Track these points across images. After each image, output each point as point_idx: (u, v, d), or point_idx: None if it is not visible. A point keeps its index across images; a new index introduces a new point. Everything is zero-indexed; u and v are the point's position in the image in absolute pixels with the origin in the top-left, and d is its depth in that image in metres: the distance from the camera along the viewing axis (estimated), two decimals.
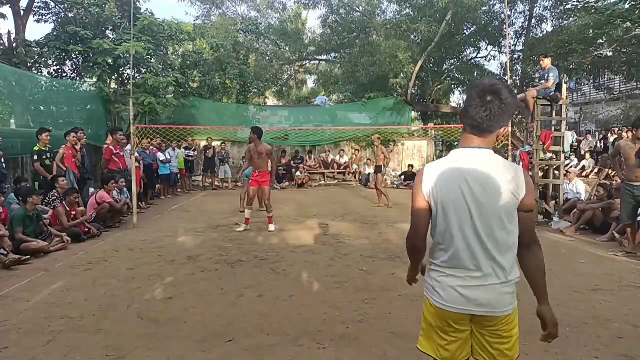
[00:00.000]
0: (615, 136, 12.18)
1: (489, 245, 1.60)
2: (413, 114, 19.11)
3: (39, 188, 7.27)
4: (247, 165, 7.76)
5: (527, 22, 17.62)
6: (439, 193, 1.65)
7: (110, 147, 8.81)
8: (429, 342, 1.74)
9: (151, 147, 11.31)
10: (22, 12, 12.41)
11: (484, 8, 16.69)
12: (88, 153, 9.18)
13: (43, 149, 7.52)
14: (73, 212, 6.78)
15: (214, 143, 14.29)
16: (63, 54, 12.70)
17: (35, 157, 7.45)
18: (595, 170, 11.69)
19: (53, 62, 12.84)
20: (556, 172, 8.22)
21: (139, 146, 10.17)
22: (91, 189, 9.13)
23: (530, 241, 1.68)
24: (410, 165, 15.43)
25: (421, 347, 1.77)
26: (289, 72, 24.43)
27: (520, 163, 8.46)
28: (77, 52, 12.33)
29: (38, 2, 13.03)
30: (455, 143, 20.60)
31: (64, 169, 7.60)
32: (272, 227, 7.29)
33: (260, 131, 7.24)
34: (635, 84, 17.61)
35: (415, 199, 1.72)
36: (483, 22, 17.07)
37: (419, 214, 1.71)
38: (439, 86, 18.86)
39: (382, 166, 10.19)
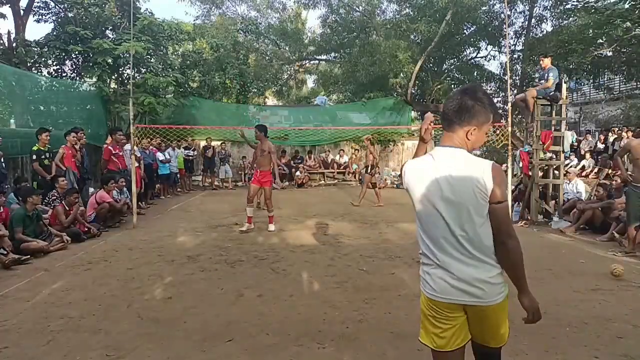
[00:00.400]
0: (615, 136, 12.16)
1: (463, 240, 1.68)
2: (413, 114, 19.11)
3: (38, 188, 7.26)
4: (253, 162, 7.82)
5: (527, 22, 17.61)
6: (415, 189, 1.79)
7: (110, 147, 8.81)
8: (426, 333, 1.81)
9: (151, 147, 11.31)
10: (22, 12, 12.41)
11: (484, 8, 16.68)
12: (88, 153, 9.17)
13: (42, 149, 7.49)
14: (72, 212, 6.77)
15: (214, 143, 14.29)
16: (63, 54, 12.70)
17: (35, 157, 7.42)
18: (595, 170, 11.69)
19: (53, 62, 12.84)
20: (556, 172, 8.22)
21: (140, 146, 10.17)
22: (91, 189, 9.13)
23: (503, 238, 1.71)
24: None
25: (421, 338, 1.84)
26: (289, 72, 24.43)
27: (521, 163, 8.47)
28: (77, 52, 12.33)
29: (38, 2, 13.03)
30: None
31: (64, 169, 7.60)
32: (272, 227, 7.26)
33: (265, 128, 7.32)
34: (635, 84, 17.60)
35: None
36: (483, 22, 17.06)
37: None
38: (439, 86, 18.84)
39: (371, 166, 10.29)
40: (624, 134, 11.73)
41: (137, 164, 8.55)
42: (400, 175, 12.83)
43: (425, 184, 1.75)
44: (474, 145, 1.79)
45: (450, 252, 1.70)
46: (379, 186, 11.11)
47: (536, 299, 1.76)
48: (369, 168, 10.33)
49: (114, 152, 8.76)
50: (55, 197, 6.96)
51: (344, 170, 16.07)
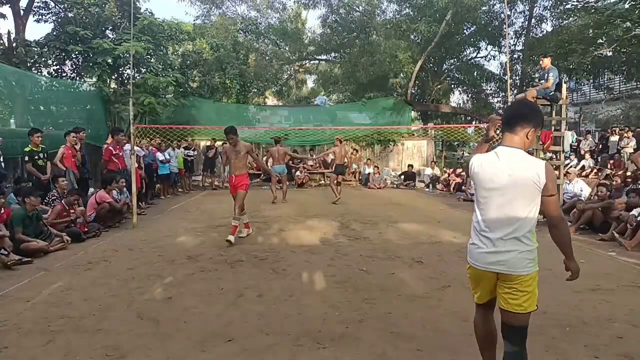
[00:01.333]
0: (617, 137, 12.15)
1: (511, 222, 2.14)
2: (413, 114, 19.14)
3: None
4: (225, 165, 7.34)
5: (527, 22, 17.63)
6: (480, 178, 2.25)
7: (110, 147, 8.81)
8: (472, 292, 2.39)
9: (151, 147, 11.31)
10: (22, 12, 12.42)
11: (484, 8, 16.70)
12: (88, 153, 9.18)
13: (35, 149, 7.38)
14: (72, 212, 6.78)
15: (217, 143, 14.31)
16: (63, 54, 12.71)
17: (27, 158, 7.32)
18: (595, 170, 11.69)
19: (53, 62, 12.84)
20: (556, 172, 8.23)
21: (142, 146, 10.17)
22: (91, 189, 9.13)
23: (556, 222, 2.19)
24: (410, 166, 15.42)
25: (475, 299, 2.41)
26: (289, 72, 24.43)
27: None
28: (77, 52, 12.34)
29: (38, 2, 13.04)
30: (456, 143, 20.69)
31: (64, 169, 7.59)
32: (232, 238, 6.09)
33: (235, 129, 6.50)
34: (635, 84, 17.60)
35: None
36: (483, 22, 17.08)
37: None
38: (439, 86, 18.86)
39: (343, 165, 11.01)
40: (625, 134, 11.71)
41: (136, 165, 8.54)
42: (403, 177, 13.32)
43: (489, 175, 2.18)
44: (530, 145, 2.22)
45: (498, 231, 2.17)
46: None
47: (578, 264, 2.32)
48: (341, 167, 10.93)
49: (114, 152, 8.76)
50: (55, 197, 6.95)
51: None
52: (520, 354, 2.26)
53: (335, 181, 10.81)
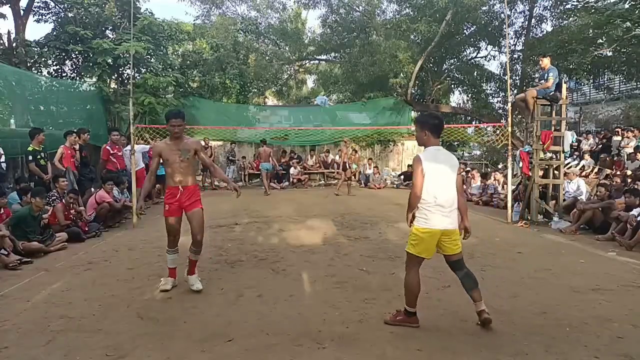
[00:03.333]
0: (620, 137, 12.13)
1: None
2: (413, 114, 19.11)
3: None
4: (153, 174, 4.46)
5: (527, 22, 17.60)
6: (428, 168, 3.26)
7: (108, 147, 8.82)
8: (416, 249, 3.30)
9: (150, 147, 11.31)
10: (22, 12, 12.41)
11: (484, 8, 16.65)
12: (89, 153, 9.20)
13: (37, 149, 7.43)
14: (72, 212, 6.78)
15: (212, 143, 14.28)
16: (63, 54, 12.71)
17: (30, 157, 7.35)
18: (595, 170, 11.67)
19: (53, 62, 12.85)
20: (556, 172, 8.22)
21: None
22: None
23: (458, 195, 3.34)
24: (410, 166, 15.39)
25: (414, 252, 3.34)
26: (289, 72, 24.42)
27: (521, 163, 8.46)
28: (77, 52, 12.34)
29: (38, 2, 13.04)
30: (456, 143, 20.68)
31: (63, 169, 7.60)
32: (194, 282, 4.27)
33: (183, 114, 4.41)
34: (635, 84, 17.58)
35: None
36: (483, 22, 17.04)
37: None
38: (439, 86, 18.83)
39: (347, 163, 12.51)
40: (626, 134, 11.69)
41: (139, 166, 8.52)
42: (403, 177, 14.33)
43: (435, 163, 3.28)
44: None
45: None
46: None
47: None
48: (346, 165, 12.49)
49: (112, 152, 8.77)
50: (55, 197, 6.96)
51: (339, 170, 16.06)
52: (469, 270, 3.40)
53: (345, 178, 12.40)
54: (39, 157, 7.43)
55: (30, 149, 7.40)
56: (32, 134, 7.51)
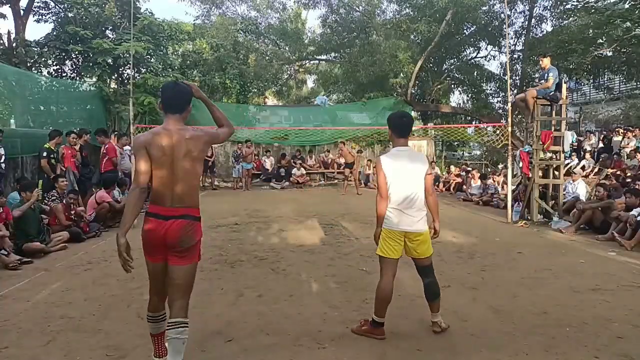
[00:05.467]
0: (621, 137, 12.12)
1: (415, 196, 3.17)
2: (413, 114, 19.12)
3: (42, 187, 7.30)
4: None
5: (527, 22, 17.60)
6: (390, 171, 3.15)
7: (116, 146, 8.87)
8: (381, 250, 3.19)
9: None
10: (22, 12, 12.42)
11: (484, 8, 16.67)
12: (89, 153, 9.22)
13: (52, 148, 7.75)
14: (73, 212, 6.78)
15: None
16: (63, 54, 12.71)
17: (45, 154, 7.62)
18: (596, 170, 11.67)
19: (53, 62, 12.85)
20: (556, 172, 8.22)
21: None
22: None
23: (428, 195, 3.24)
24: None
25: (380, 253, 3.21)
26: (289, 72, 24.44)
27: (521, 163, 8.46)
28: (77, 52, 12.34)
29: (38, 2, 13.04)
30: (456, 143, 20.69)
31: (64, 169, 7.64)
32: None
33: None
34: (635, 84, 17.59)
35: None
36: (483, 22, 17.05)
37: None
38: (439, 86, 18.84)
39: (353, 163, 12.98)
40: (627, 134, 11.69)
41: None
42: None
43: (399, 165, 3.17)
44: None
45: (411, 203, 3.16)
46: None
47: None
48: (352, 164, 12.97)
49: (102, 151, 8.85)
50: (55, 197, 6.95)
51: (344, 170, 16.05)
52: (435, 280, 3.29)
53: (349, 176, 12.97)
54: (52, 156, 7.71)
55: (46, 146, 7.69)
56: (52, 135, 7.88)
